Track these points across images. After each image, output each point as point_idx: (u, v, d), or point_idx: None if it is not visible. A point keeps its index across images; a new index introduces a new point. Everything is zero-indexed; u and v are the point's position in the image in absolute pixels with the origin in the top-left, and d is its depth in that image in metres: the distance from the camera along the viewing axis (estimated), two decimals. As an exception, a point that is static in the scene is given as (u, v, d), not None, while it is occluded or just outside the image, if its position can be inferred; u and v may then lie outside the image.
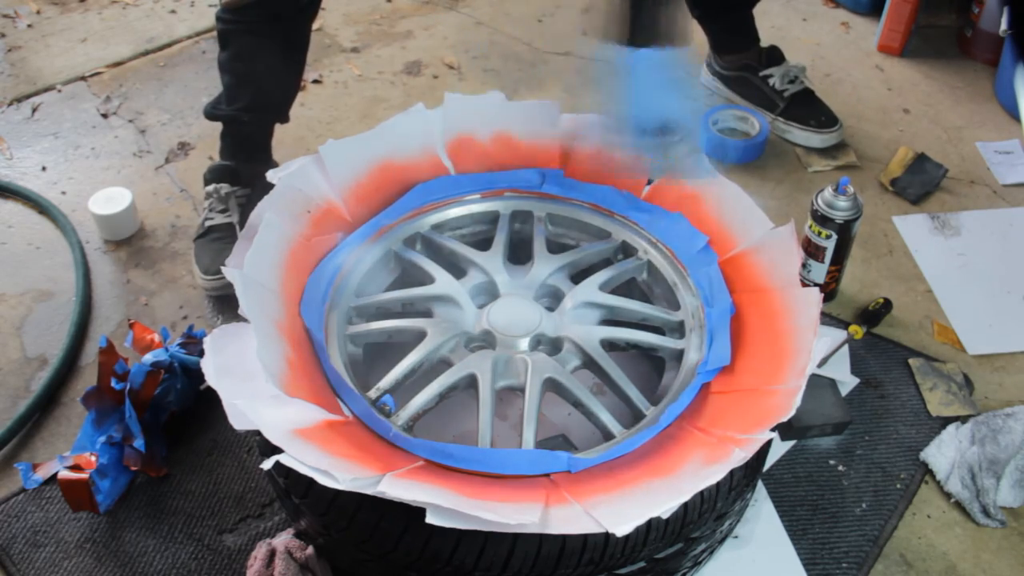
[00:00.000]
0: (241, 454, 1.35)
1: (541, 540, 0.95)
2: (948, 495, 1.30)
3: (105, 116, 2.02)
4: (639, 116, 1.23)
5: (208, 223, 1.61)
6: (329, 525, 1.03)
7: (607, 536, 0.95)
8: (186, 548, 1.24)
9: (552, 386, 1.14)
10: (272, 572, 1.12)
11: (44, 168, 1.89)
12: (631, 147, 1.25)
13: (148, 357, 1.34)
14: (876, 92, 2.09)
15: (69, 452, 1.30)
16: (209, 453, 1.35)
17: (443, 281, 1.25)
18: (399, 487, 0.92)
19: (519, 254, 1.34)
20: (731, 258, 1.25)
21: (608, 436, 1.09)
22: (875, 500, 1.29)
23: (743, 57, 1.96)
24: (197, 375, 1.36)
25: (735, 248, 1.25)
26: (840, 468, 1.33)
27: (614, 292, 1.27)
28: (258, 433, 0.96)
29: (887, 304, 1.54)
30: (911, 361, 1.47)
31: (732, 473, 1.01)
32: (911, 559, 1.23)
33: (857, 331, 1.47)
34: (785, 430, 1.35)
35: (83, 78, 2.12)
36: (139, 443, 1.27)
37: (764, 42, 1.98)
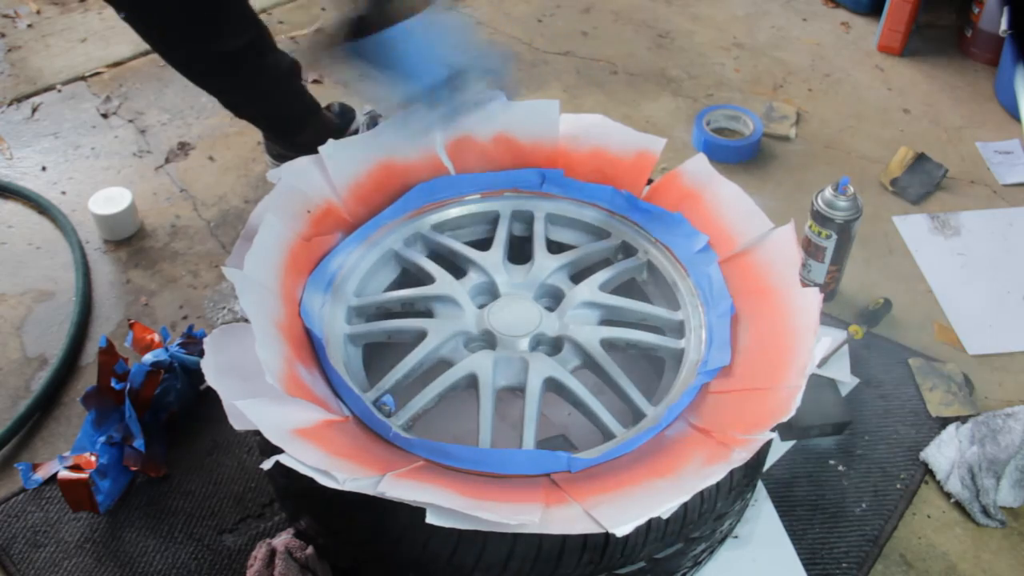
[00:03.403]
0: (241, 454, 1.35)
1: (541, 540, 0.95)
2: (948, 495, 1.30)
3: (105, 116, 2.02)
4: (420, 77, 1.16)
5: None
6: (329, 525, 1.03)
7: (607, 536, 0.95)
8: (186, 548, 1.24)
9: (552, 386, 1.14)
10: (272, 572, 1.12)
11: (44, 168, 1.89)
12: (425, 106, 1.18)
13: (148, 357, 1.34)
14: (876, 92, 2.09)
15: (69, 452, 1.30)
16: (209, 453, 1.35)
17: (443, 281, 1.25)
18: (399, 487, 0.92)
19: (519, 254, 1.34)
20: (731, 258, 1.25)
21: (608, 436, 1.09)
22: (875, 500, 1.29)
23: None
24: (197, 375, 1.36)
25: (735, 248, 1.25)
26: (840, 468, 1.33)
27: (614, 292, 1.27)
28: (258, 433, 0.96)
29: (887, 304, 1.54)
30: (911, 361, 1.47)
31: (732, 473, 1.01)
32: (911, 559, 1.23)
33: (857, 331, 1.47)
34: (785, 430, 1.35)
35: (83, 78, 2.12)
36: (139, 443, 1.27)
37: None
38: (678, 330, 1.23)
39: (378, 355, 1.23)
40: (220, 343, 1.04)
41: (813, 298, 1.13)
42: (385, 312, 1.26)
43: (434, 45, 1.16)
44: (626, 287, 1.31)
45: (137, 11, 1.43)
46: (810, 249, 1.52)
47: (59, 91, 2.09)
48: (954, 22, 2.26)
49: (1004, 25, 1.99)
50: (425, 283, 1.27)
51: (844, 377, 1.43)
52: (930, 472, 1.32)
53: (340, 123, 1.78)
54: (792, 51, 2.21)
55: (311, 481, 0.91)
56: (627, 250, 1.33)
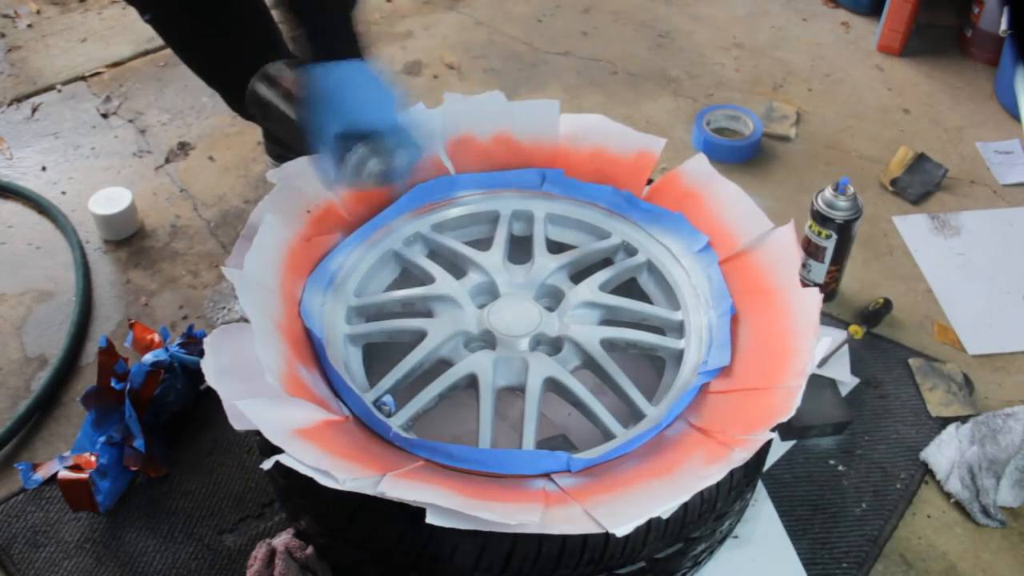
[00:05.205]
0: (241, 454, 1.35)
1: (541, 540, 0.95)
2: (948, 495, 1.30)
3: (105, 116, 2.02)
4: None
5: None
6: (329, 525, 1.03)
7: (607, 536, 0.95)
8: (186, 548, 1.24)
9: (552, 386, 1.14)
10: (272, 572, 1.12)
11: (44, 168, 1.89)
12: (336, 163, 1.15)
13: (148, 357, 1.34)
14: (876, 92, 2.09)
15: (69, 452, 1.30)
16: (209, 453, 1.35)
17: (443, 281, 1.25)
18: (399, 487, 0.92)
19: (519, 254, 1.34)
20: (731, 258, 1.25)
21: (608, 436, 1.09)
22: (875, 500, 1.29)
23: None
24: (197, 375, 1.36)
25: (735, 248, 1.25)
26: (840, 468, 1.33)
27: (614, 292, 1.27)
28: (258, 433, 0.96)
29: (887, 304, 1.54)
30: (911, 361, 1.47)
31: (732, 473, 1.01)
32: (911, 559, 1.23)
33: (857, 331, 1.47)
34: (785, 430, 1.35)
35: (83, 78, 2.12)
36: (139, 443, 1.27)
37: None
38: (678, 330, 1.23)
39: (378, 355, 1.23)
40: (220, 343, 1.04)
41: (813, 298, 1.13)
42: (385, 312, 1.26)
43: (362, 96, 1.13)
44: (626, 287, 1.31)
45: (162, 13, 1.42)
46: (810, 249, 1.52)
47: (59, 91, 2.09)
48: (954, 22, 2.26)
49: (1004, 25, 1.98)
50: (425, 283, 1.27)
51: (844, 377, 1.43)
52: (930, 472, 1.32)
53: None
54: (792, 51, 2.21)
55: (311, 481, 0.92)
56: (627, 250, 1.33)
